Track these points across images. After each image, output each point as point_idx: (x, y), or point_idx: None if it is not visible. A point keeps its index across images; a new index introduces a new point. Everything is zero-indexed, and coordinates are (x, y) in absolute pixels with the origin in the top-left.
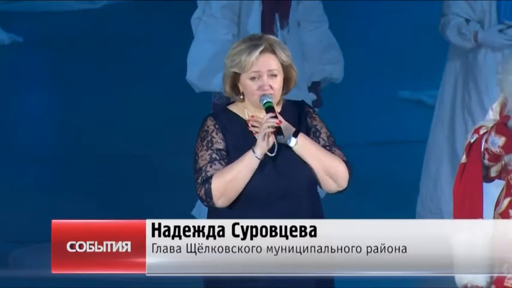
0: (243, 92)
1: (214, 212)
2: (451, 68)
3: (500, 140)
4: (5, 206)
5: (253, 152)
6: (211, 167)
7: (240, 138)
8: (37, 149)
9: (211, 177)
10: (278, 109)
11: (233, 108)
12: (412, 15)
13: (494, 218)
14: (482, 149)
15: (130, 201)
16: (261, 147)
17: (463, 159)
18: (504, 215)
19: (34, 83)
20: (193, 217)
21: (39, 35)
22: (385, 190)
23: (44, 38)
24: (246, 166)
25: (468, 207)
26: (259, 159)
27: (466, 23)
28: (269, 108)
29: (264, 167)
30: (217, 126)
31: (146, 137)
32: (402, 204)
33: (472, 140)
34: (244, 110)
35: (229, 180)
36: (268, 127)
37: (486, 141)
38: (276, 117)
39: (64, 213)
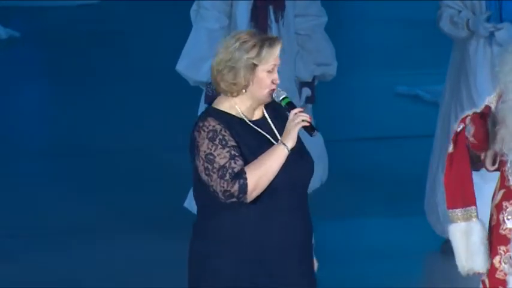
0: (244, 85)
1: (226, 207)
2: (451, 61)
3: (472, 128)
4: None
5: (284, 145)
6: (235, 163)
7: (245, 136)
8: (33, 142)
9: (243, 172)
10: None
11: (221, 107)
12: (409, 11)
13: (490, 210)
14: (467, 135)
15: (124, 194)
16: (293, 141)
17: (450, 148)
18: (498, 207)
19: (31, 77)
20: (185, 209)
21: (36, 30)
22: (381, 185)
23: (40, 33)
24: (277, 159)
25: (461, 196)
26: (288, 152)
27: (458, 13)
28: (290, 104)
29: None
30: (222, 124)
31: (141, 132)
32: (400, 199)
33: (458, 129)
34: (235, 107)
35: (263, 174)
36: (302, 121)
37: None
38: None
39: (59, 208)
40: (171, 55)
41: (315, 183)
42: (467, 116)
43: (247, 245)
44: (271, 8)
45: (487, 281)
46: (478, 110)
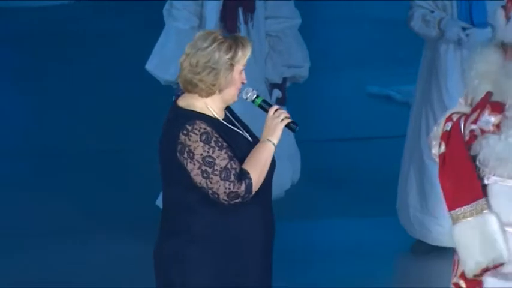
0: (224, 86)
1: (210, 207)
2: (423, 61)
3: (496, 118)
4: None
5: (271, 142)
6: (235, 163)
7: (229, 136)
8: (9, 143)
9: (245, 171)
10: None
11: (195, 108)
12: (380, 10)
13: None
14: (462, 130)
15: (105, 195)
16: (278, 137)
17: (442, 149)
18: None
19: (5, 78)
20: (157, 207)
21: (6, 32)
22: (353, 185)
23: (11, 35)
24: (269, 156)
25: (466, 192)
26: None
27: (430, 13)
28: (265, 102)
29: None
30: (211, 126)
31: (119, 132)
32: (372, 199)
33: (448, 128)
34: (208, 107)
35: (262, 172)
36: (286, 117)
37: (475, 122)
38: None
39: (37, 209)
40: (146, 55)
41: (286, 183)
42: (452, 115)
43: (235, 244)
44: (240, 9)
45: (461, 283)
46: (463, 109)
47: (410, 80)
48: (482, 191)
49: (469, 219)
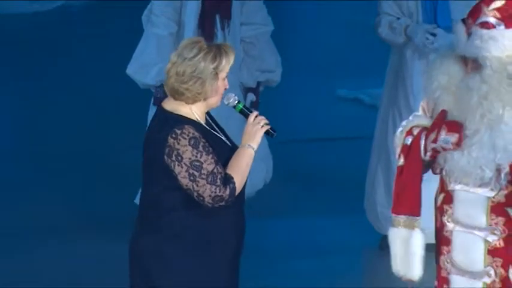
0: (210, 94)
1: (192, 207)
2: (390, 65)
3: (454, 137)
4: None
5: (251, 147)
6: (220, 168)
7: (213, 141)
8: (6, 143)
9: (231, 176)
10: None
11: (181, 113)
12: (350, 15)
13: (435, 212)
14: (422, 148)
15: (101, 194)
16: (258, 143)
17: (401, 162)
18: (440, 210)
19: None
20: (135, 205)
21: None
22: (323, 184)
23: (8, 39)
24: (250, 161)
25: (407, 204)
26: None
27: (396, 20)
28: (246, 107)
29: None
30: (199, 131)
31: (113, 132)
32: (341, 197)
33: (408, 143)
34: (193, 113)
35: (244, 177)
36: (266, 124)
37: (435, 141)
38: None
39: (37, 209)
40: (126, 59)
41: (258, 184)
42: (412, 128)
43: (213, 245)
44: (217, 16)
45: (435, 281)
46: (422, 121)
47: (379, 83)
48: (450, 195)
49: (401, 228)
